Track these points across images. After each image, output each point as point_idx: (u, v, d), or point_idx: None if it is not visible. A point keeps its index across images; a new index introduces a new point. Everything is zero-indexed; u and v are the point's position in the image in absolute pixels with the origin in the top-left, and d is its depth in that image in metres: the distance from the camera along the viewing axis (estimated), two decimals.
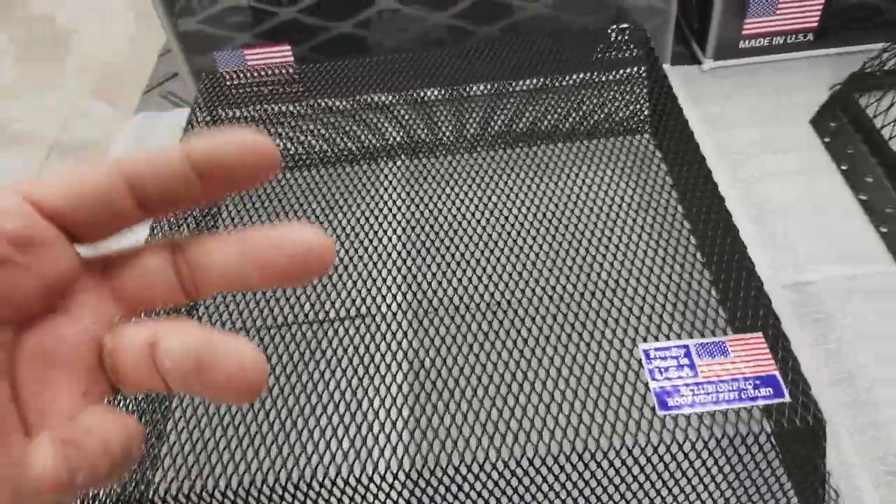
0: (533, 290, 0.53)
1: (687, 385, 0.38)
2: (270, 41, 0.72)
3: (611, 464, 0.39)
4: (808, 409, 0.37)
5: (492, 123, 0.70)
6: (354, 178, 0.67)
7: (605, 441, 0.39)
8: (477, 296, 0.53)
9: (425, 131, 0.70)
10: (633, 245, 0.54)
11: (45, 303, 0.17)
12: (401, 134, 0.70)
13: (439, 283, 0.54)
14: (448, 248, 0.56)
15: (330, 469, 0.41)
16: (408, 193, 0.64)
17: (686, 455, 0.39)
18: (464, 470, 0.40)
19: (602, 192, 0.61)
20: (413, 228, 0.60)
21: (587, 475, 0.40)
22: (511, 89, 0.71)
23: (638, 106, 0.70)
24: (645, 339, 0.44)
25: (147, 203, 0.17)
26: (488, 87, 0.71)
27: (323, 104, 0.71)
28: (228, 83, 0.71)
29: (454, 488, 0.42)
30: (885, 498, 0.45)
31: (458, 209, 0.61)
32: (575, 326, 0.47)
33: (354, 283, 0.55)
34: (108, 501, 0.41)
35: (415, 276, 0.56)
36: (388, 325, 0.51)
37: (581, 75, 0.70)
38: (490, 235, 0.58)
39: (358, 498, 0.41)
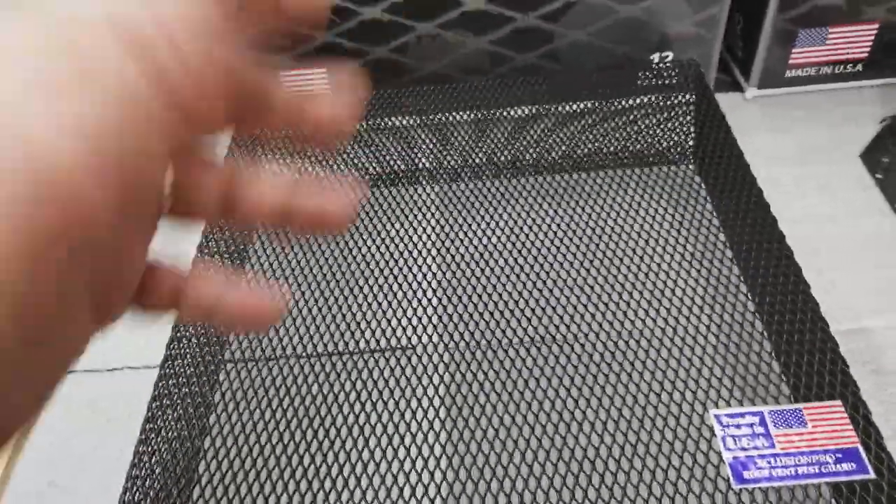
0: (575, 336, 0.51)
1: (763, 456, 0.36)
2: (307, 64, 0.70)
3: None
4: (894, 488, 0.35)
5: (541, 149, 0.68)
6: (384, 203, 0.65)
7: None
8: (510, 331, 0.51)
9: (457, 156, 0.68)
10: (682, 283, 0.52)
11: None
12: (430, 160, 0.68)
13: (476, 321, 0.52)
14: (480, 280, 0.55)
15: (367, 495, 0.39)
16: (446, 220, 0.62)
17: None
18: None
19: (648, 224, 0.59)
20: (447, 259, 0.59)
21: None
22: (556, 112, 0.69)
23: (682, 135, 0.68)
24: (705, 403, 0.42)
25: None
26: (532, 109, 0.69)
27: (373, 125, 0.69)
28: None
29: None
30: None
31: (490, 237, 0.59)
32: (632, 376, 0.45)
33: (386, 315, 0.53)
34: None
35: (451, 314, 0.54)
36: (434, 360, 0.49)
37: (625, 102, 0.69)
38: (522, 268, 0.57)
39: None
